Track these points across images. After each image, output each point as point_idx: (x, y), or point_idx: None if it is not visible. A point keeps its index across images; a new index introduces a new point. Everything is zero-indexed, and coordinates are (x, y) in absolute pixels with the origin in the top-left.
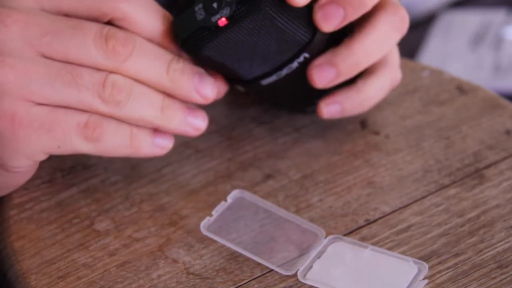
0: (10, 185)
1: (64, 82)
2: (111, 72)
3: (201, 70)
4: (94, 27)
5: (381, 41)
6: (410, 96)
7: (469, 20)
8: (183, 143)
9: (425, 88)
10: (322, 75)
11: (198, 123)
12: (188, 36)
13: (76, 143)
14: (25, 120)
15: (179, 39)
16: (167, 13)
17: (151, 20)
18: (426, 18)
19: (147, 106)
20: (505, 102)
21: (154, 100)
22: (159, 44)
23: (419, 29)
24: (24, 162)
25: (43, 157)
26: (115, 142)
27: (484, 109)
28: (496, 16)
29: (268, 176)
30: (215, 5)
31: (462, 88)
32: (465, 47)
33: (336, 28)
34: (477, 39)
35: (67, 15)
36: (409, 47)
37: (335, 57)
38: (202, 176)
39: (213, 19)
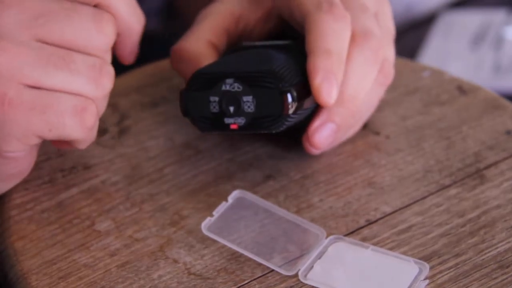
0: (8, 174)
1: (56, 66)
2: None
3: None
4: (89, 10)
5: (362, 81)
6: (411, 96)
7: (469, 20)
8: (183, 143)
9: (426, 88)
10: (323, 134)
11: None
12: (197, 116)
13: (69, 128)
14: (16, 101)
15: (187, 114)
16: (143, 16)
17: (130, 17)
18: (426, 18)
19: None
20: (506, 102)
21: None
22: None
23: (419, 29)
24: (16, 146)
25: (35, 140)
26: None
27: (485, 110)
28: (496, 16)
29: (269, 177)
30: (231, 109)
31: (462, 89)
32: (465, 47)
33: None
34: (477, 39)
35: None
36: (409, 47)
37: (331, 115)
38: (202, 177)
39: (226, 121)
